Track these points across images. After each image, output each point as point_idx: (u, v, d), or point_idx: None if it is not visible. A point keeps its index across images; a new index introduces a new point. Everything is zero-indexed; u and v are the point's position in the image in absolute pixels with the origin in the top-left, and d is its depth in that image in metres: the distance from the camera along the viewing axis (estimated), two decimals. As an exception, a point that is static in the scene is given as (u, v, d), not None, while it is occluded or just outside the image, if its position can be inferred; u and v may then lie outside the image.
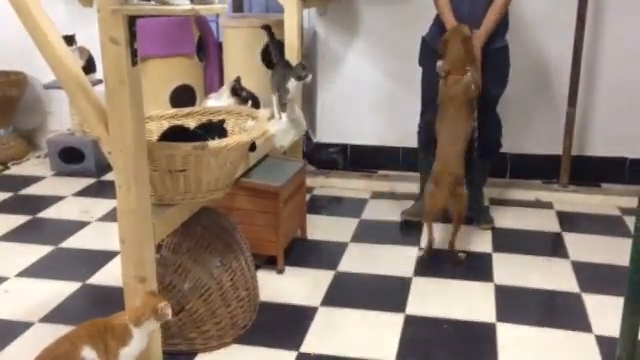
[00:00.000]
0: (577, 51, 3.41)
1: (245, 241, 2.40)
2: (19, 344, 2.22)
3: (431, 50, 3.01)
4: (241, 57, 3.59)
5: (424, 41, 3.12)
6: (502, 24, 2.95)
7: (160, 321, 1.85)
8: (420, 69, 3.17)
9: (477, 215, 3.13)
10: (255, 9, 4.14)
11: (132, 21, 1.74)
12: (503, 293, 2.56)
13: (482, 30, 2.89)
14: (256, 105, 3.01)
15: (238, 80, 2.81)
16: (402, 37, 3.75)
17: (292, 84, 2.99)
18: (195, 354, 2.16)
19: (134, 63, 1.80)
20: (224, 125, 2.35)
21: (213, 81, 3.95)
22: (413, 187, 3.55)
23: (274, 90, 3.12)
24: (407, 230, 3.16)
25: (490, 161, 3.19)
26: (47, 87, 4.13)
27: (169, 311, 1.84)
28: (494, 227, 3.13)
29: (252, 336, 2.25)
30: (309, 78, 3.00)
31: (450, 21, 2.92)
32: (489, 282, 2.64)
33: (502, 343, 2.23)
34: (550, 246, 3.03)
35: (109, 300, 2.38)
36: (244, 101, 2.80)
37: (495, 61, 2.95)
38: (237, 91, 2.84)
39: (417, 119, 3.23)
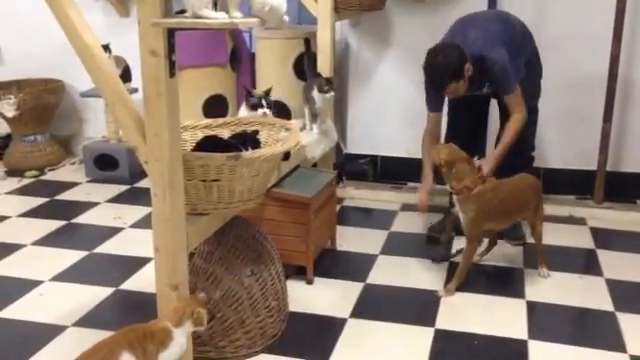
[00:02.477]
0: (613, 66, 3.37)
1: (276, 251, 2.41)
2: (52, 348, 2.27)
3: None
4: (273, 67, 3.62)
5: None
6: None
7: (197, 326, 1.87)
8: None
9: (508, 230, 3.11)
10: (288, 21, 4.18)
11: (171, 34, 1.78)
12: (535, 310, 2.52)
13: (491, 161, 2.80)
14: (286, 115, 3.04)
15: (267, 91, 2.83)
16: (434, 49, 3.75)
17: (317, 95, 3.02)
18: (225, 363, 2.18)
19: (172, 75, 1.83)
20: (257, 136, 2.37)
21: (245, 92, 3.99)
22: (443, 200, 3.53)
23: (305, 102, 3.15)
24: (432, 245, 3.13)
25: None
26: (83, 95, 4.22)
27: (205, 320, 1.87)
28: (525, 243, 3.08)
29: (281, 346, 2.26)
30: (329, 94, 3.01)
31: (426, 170, 2.95)
32: (521, 298, 2.61)
33: (534, 360, 2.20)
34: (583, 263, 2.98)
35: (141, 306, 2.42)
36: (253, 107, 2.77)
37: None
38: (248, 97, 2.82)
39: (442, 131, 3.21)
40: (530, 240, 3.00)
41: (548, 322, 2.45)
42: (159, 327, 1.84)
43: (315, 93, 3.04)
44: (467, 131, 3.08)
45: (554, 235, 3.14)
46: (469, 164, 2.64)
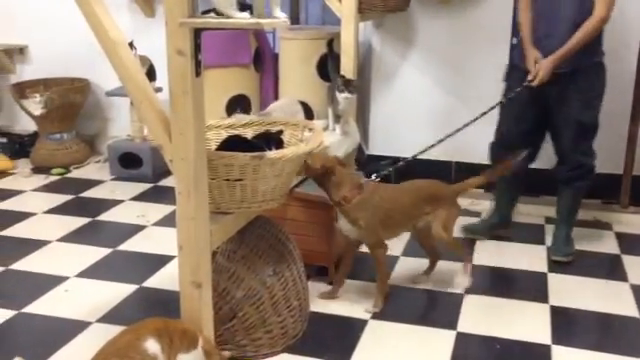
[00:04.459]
0: (641, 68, 3.33)
1: (297, 251, 2.42)
2: (77, 343, 2.30)
3: (514, 68, 2.99)
4: (297, 68, 3.63)
5: (509, 58, 3.07)
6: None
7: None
8: None
9: (557, 244, 3.01)
10: (311, 21, 4.19)
11: (197, 34, 1.80)
12: (559, 315, 2.50)
13: (559, 51, 2.72)
14: (309, 116, 3.05)
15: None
16: (458, 51, 3.74)
17: (340, 97, 3.02)
18: (246, 361, 2.19)
19: (198, 74, 1.85)
20: (281, 136, 2.38)
21: (269, 91, 4.01)
22: (464, 202, 3.51)
23: (329, 102, 3.15)
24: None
25: (577, 188, 2.98)
26: (109, 94, 4.27)
27: None
28: (569, 262, 2.96)
29: (302, 346, 2.26)
30: (351, 95, 3.01)
31: (527, 43, 2.83)
32: (544, 303, 2.59)
33: (557, 366, 2.18)
34: (608, 268, 2.94)
35: (164, 303, 2.44)
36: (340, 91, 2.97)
37: (578, 82, 2.80)
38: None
39: (471, 132, 3.18)
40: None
41: (572, 327, 2.43)
42: (191, 331, 1.86)
43: (338, 94, 3.04)
44: (523, 137, 2.98)
45: (579, 239, 3.10)
46: (347, 171, 2.50)
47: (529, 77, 2.81)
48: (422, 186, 2.64)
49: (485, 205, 3.60)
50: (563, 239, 2.99)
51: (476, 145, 3.36)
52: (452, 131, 2.84)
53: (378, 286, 2.54)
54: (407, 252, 3.05)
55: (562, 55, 2.73)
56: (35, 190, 3.93)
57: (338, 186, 2.40)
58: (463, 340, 2.33)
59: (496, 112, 3.05)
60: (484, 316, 2.49)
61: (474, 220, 3.34)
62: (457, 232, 3.13)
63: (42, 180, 4.09)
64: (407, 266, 2.91)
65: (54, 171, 4.21)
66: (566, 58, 2.74)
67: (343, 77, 3.10)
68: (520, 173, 3.01)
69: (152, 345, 1.78)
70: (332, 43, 3.34)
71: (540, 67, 2.76)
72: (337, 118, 3.16)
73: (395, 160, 4.01)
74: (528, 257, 2.99)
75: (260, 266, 2.24)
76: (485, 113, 2.90)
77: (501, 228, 3.21)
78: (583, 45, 2.72)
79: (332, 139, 3.09)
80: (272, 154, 2.10)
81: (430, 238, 2.63)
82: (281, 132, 2.40)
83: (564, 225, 3.03)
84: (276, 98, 3.91)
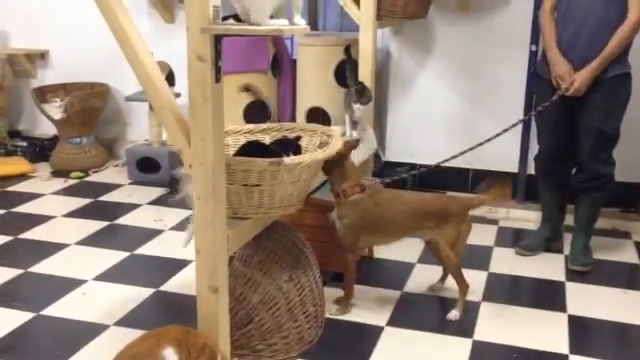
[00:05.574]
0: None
1: (314, 257, 2.42)
2: (94, 346, 2.32)
3: (540, 78, 2.96)
4: (315, 74, 3.64)
5: (535, 69, 3.04)
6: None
7: None
8: None
9: (575, 253, 2.97)
10: (329, 27, 4.20)
11: (218, 40, 1.81)
12: (577, 324, 2.48)
13: (596, 62, 2.68)
14: (327, 122, 3.06)
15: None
16: (477, 58, 3.73)
17: (354, 106, 3.03)
18: (262, 366, 2.19)
19: (218, 80, 1.86)
20: (299, 142, 2.39)
21: (286, 97, 4.03)
22: (481, 210, 3.50)
23: (346, 109, 3.16)
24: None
25: (596, 198, 2.94)
26: (128, 99, 4.31)
27: None
28: (588, 271, 2.93)
29: (318, 352, 2.26)
30: (357, 105, 3.02)
31: (552, 50, 2.78)
32: (562, 312, 2.57)
33: (575, 376, 2.16)
34: (627, 278, 2.91)
35: (181, 307, 2.46)
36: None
37: (602, 92, 2.76)
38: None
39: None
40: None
41: (590, 337, 2.41)
42: (211, 346, 1.84)
43: (352, 104, 3.05)
44: (563, 149, 2.96)
45: (597, 248, 3.07)
46: (355, 166, 2.51)
47: (563, 87, 2.74)
48: (427, 199, 2.56)
49: (501, 213, 3.58)
50: (581, 248, 2.96)
51: (495, 153, 3.35)
52: (482, 141, 2.82)
53: (346, 292, 2.56)
54: (423, 259, 3.03)
55: (600, 65, 2.69)
56: (54, 193, 3.97)
57: (343, 177, 2.41)
58: (479, 348, 2.31)
59: (517, 118, 3.03)
60: (501, 324, 2.48)
61: (491, 227, 3.32)
62: (509, 252, 3.12)
63: (61, 184, 4.13)
64: (423, 273, 2.90)
65: (73, 175, 4.26)
66: (604, 67, 2.70)
67: (357, 86, 3.10)
68: (563, 182, 3.01)
69: (171, 355, 1.77)
70: (350, 49, 3.35)
71: (577, 77, 2.71)
72: (354, 124, 3.16)
73: (412, 167, 4.03)
74: (546, 266, 2.96)
75: (276, 271, 2.24)
76: (515, 125, 2.88)
77: (554, 241, 3.15)
78: (619, 52, 2.69)
79: (349, 145, 3.10)
80: (290, 160, 2.10)
81: (438, 253, 2.55)
82: (299, 138, 2.41)
83: (582, 234, 3.00)
84: (294, 104, 3.93)
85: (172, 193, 3.59)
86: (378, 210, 2.44)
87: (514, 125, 2.88)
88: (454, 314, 2.51)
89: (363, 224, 2.44)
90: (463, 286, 2.54)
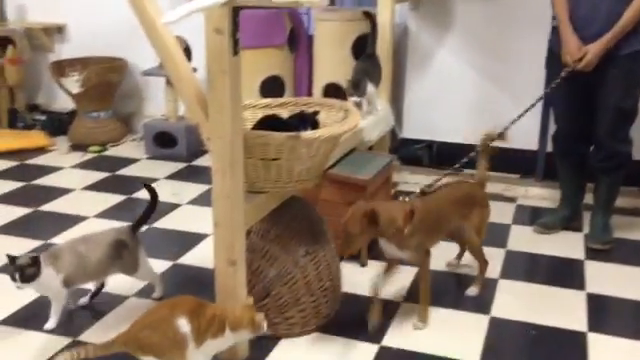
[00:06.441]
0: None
1: (331, 232, 2.42)
2: (114, 316, 2.35)
3: (553, 55, 2.90)
4: (331, 49, 3.61)
5: (549, 44, 2.98)
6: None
7: (256, 334, 1.91)
8: None
9: (594, 231, 2.94)
10: (347, 3, 4.15)
11: (236, 12, 1.80)
12: (596, 302, 2.46)
13: (609, 35, 2.62)
14: (343, 98, 3.02)
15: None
16: (496, 34, 3.68)
17: (350, 100, 2.98)
18: (279, 339, 2.21)
19: (235, 53, 1.85)
20: (317, 117, 2.38)
21: (303, 73, 4.00)
22: (498, 188, 3.48)
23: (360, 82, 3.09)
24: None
25: (614, 177, 2.91)
26: (145, 74, 4.31)
27: (265, 324, 1.91)
28: (607, 249, 2.90)
29: (334, 326, 2.27)
30: (353, 98, 2.96)
31: (564, 26, 2.72)
32: (580, 290, 2.55)
33: (593, 354, 2.15)
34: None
35: (198, 280, 2.49)
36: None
37: (620, 67, 2.70)
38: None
39: (507, 118, 3.13)
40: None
41: (609, 315, 2.40)
42: (218, 315, 1.88)
43: (348, 97, 3.00)
44: (580, 127, 2.93)
45: (618, 228, 3.03)
46: (388, 202, 2.32)
47: (575, 59, 2.68)
48: (459, 189, 2.51)
49: (520, 191, 3.56)
50: (601, 227, 2.94)
51: (513, 130, 3.30)
52: (512, 121, 2.75)
53: (423, 300, 2.34)
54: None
55: (613, 38, 2.63)
56: (73, 167, 4.01)
57: (389, 224, 2.14)
58: (497, 324, 2.31)
59: (537, 95, 2.98)
60: (519, 301, 2.47)
61: (509, 206, 3.29)
62: (527, 230, 3.10)
63: (80, 157, 4.16)
64: (440, 250, 2.88)
65: (91, 149, 4.28)
66: (617, 41, 2.64)
67: (353, 78, 3.02)
68: (582, 161, 2.99)
69: (184, 325, 1.83)
70: (374, 17, 3.27)
71: (588, 50, 2.65)
72: (370, 102, 3.14)
73: (429, 144, 4.00)
74: (565, 244, 2.94)
75: (293, 246, 2.24)
76: (533, 105, 2.83)
77: (573, 220, 3.12)
78: (634, 25, 2.62)
79: (366, 121, 3.08)
80: (308, 134, 2.10)
81: (462, 240, 2.56)
82: (317, 113, 2.40)
83: (602, 213, 2.97)
84: (310, 80, 3.91)
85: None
86: (433, 217, 2.30)
87: (532, 105, 2.83)
88: (473, 290, 2.51)
89: (425, 237, 2.27)
90: (483, 264, 2.53)
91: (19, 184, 3.68)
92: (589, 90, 2.81)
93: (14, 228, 3.08)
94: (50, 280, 2.19)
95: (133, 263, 2.35)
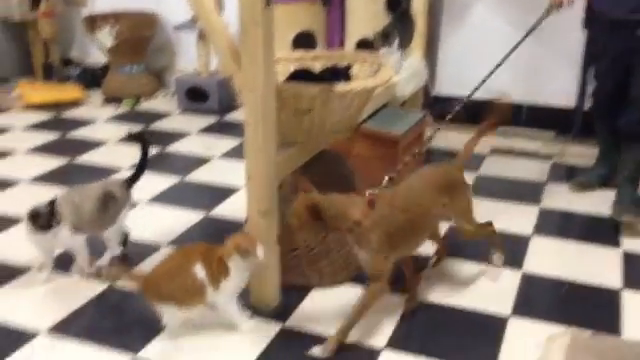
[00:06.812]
0: None
1: (362, 187, 2.42)
2: (149, 264, 2.39)
3: (592, 13, 2.80)
4: (364, 3, 3.53)
5: (586, 2, 2.87)
6: None
7: (253, 261, 1.91)
8: None
9: (622, 196, 2.82)
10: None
11: (269, -39, 1.76)
12: (631, 260, 2.43)
13: None
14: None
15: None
16: (536, -14, 3.55)
17: (382, 50, 2.93)
18: (310, 289, 2.24)
19: (268, 3, 1.83)
20: (350, 70, 2.35)
21: (335, 28, 3.94)
22: (533, 145, 3.43)
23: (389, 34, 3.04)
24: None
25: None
26: (177, 28, 4.30)
27: (256, 249, 1.90)
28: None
29: (364, 277, 2.28)
30: (383, 50, 2.88)
31: None
32: (616, 247, 2.52)
33: (627, 311, 2.13)
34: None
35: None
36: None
37: None
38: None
39: (545, 75, 3.06)
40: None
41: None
42: (224, 257, 1.92)
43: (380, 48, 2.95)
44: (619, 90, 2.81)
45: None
46: (339, 195, 1.94)
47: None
48: (435, 174, 2.16)
49: (555, 149, 3.50)
50: (629, 199, 2.79)
51: (551, 87, 3.24)
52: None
53: (352, 318, 1.93)
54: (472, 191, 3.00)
55: None
56: (107, 120, 4.06)
57: (341, 217, 1.87)
58: (529, 280, 2.30)
59: (576, 52, 2.90)
60: (551, 258, 2.45)
61: (545, 163, 3.23)
62: (562, 187, 3.04)
63: (113, 111, 4.21)
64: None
65: (125, 102, 4.32)
66: None
67: (383, 30, 2.96)
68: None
69: (199, 270, 1.89)
70: None
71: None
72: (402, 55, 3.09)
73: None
74: (601, 202, 2.89)
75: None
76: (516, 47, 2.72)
77: (610, 178, 3.03)
78: None
79: (399, 76, 3.04)
80: (341, 86, 2.08)
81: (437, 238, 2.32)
82: (349, 67, 2.37)
83: (629, 184, 2.83)
84: (342, 34, 3.84)
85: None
86: (407, 215, 1.96)
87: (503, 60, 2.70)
88: (499, 258, 2.36)
89: (393, 241, 1.93)
90: (492, 235, 2.32)
91: (55, 136, 3.75)
92: (632, 50, 2.71)
93: (51, 178, 3.15)
94: (61, 230, 2.18)
95: (113, 217, 2.33)
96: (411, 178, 2.11)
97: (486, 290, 2.25)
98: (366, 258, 1.93)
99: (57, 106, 4.23)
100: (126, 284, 2.06)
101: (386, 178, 2.04)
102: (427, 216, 2.06)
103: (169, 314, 1.93)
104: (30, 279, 2.30)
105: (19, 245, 2.29)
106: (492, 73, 2.50)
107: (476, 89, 2.42)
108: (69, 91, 4.45)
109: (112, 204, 2.32)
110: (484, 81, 2.49)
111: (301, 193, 1.90)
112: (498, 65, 2.51)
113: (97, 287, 2.24)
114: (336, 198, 1.92)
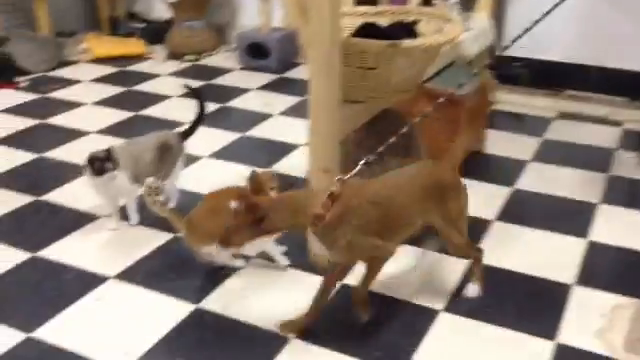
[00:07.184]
0: None
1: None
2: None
3: None
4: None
5: None
6: None
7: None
8: None
9: None
10: None
11: None
12: None
13: None
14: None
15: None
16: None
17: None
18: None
19: (337, -45, 1.78)
20: (416, 26, 2.29)
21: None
22: (602, 110, 3.29)
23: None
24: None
25: None
26: (240, -17, 4.28)
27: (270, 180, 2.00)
28: None
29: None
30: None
31: None
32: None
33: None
34: None
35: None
36: None
37: None
38: None
39: (618, 36, 2.89)
40: None
41: None
42: (250, 199, 1.91)
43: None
44: None
45: None
46: (295, 191, 1.82)
47: None
48: (419, 174, 1.87)
49: (625, 114, 3.34)
50: None
51: (627, 50, 3.07)
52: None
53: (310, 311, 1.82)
54: (536, 157, 2.91)
55: None
56: (170, 75, 4.11)
57: (297, 211, 1.65)
58: (594, 249, 2.23)
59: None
60: (617, 228, 2.37)
61: (615, 130, 3.10)
62: (632, 155, 2.89)
63: (176, 66, 4.26)
64: (535, 170, 2.79)
65: (187, 57, 4.36)
66: None
67: None
68: None
69: (235, 206, 1.90)
70: None
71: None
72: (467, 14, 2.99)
73: (528, 63, 3.79)
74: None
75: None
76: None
77: None
78: None
79: (466, 35, 2.94)
80: (408, 43, 2.03)
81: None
82: (416, 22, 2.31)
83: None
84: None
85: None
86: (379, 210, 1.70)
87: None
88: (473, 289, 1.97)
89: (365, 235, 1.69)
90: (477, 259, 1.97)
91: (120, 89, 3.83)
92: None
93: (116, 130, 3.23)
94: (119, 177, 2.25)
95: (169, 167, 2.41)
96: (389, 174, 1.85)
97: (549, 257, 2.20)
98: (335, 255, 1.73)
99: (121, 60, 4.31)
100: (172, 222, 2.10)
101: (362, 161, 1.73)
102: (403, 219, 1.77)
103: (214, 255, 2.01)
104: (99, 226, 2.39)
105: (88, 193, 2.36)
106: (538, 22, 2.23)
107: (519, 37, 2.18)
108: (133, 46, 4.52)
109: (168, 154, 2.39)
110: (528, 30, 2.23)
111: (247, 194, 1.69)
112: (547, 12, 2.28)
113: (162, 236, 2.30)
114: (289, 195, 1.76)
